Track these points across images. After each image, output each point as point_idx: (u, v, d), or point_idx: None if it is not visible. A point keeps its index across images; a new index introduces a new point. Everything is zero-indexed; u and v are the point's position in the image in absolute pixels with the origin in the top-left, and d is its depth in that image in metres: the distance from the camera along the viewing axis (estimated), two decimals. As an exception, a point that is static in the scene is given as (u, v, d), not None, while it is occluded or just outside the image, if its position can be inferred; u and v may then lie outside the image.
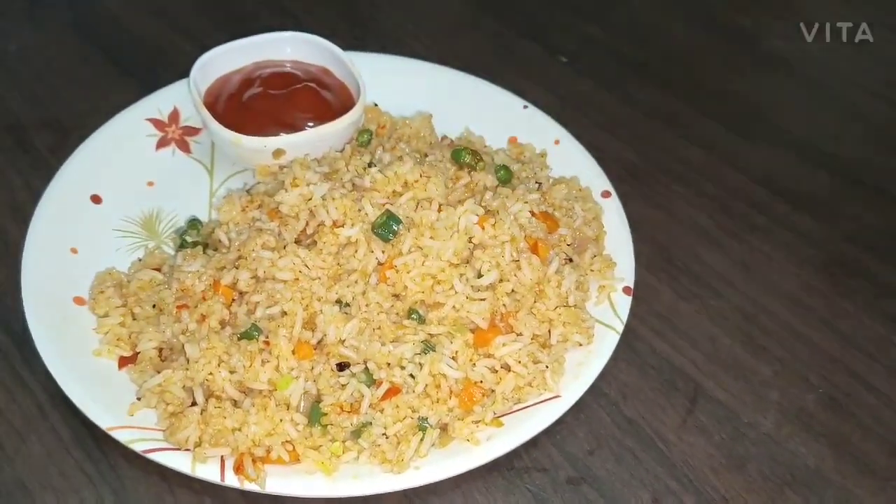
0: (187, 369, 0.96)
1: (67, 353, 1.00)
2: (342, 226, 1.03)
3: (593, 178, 1.23)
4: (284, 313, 0.99)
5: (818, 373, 1.10)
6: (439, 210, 1.04)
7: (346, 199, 1.04)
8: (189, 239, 1.12)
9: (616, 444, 1.02)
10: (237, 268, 1.04)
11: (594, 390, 1.03)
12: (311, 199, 1.05)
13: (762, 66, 1.54)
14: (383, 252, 1.03)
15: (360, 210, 1.04)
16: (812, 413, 1.06)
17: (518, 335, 1.02)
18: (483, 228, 1.04)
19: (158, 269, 1.09)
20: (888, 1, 1.65)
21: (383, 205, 1.04)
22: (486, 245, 1.04)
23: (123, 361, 1.02)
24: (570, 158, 1.26)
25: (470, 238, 1.04)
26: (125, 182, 1.21)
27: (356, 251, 1.03)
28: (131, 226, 1.18)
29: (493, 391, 0.99)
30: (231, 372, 0.96)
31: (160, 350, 1.02)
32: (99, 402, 0.96)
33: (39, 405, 1.01)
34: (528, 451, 1.00)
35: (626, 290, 1.11)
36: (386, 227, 1.03)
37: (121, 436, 0.94)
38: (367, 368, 0.97)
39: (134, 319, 1.04)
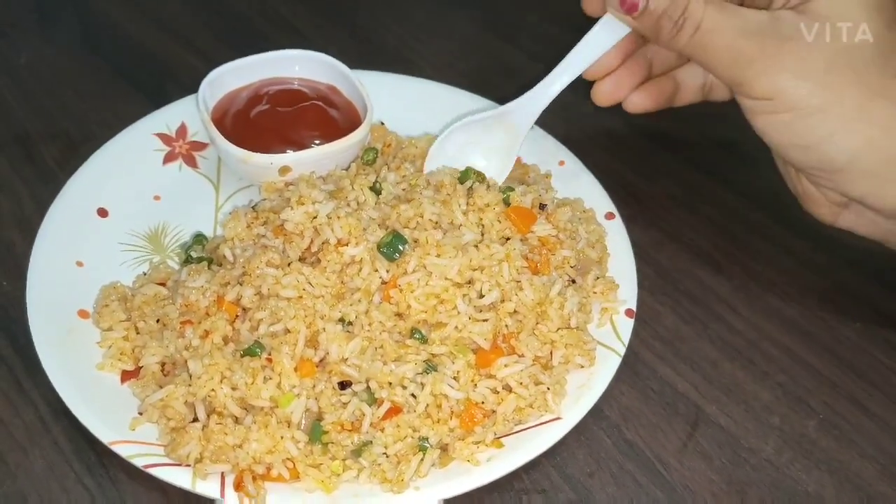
0: (190, 385, 0.96)
1: (70, 366, 1.01)
2: (347, 244, 1.04)
3: (597, 199, 1.23)
4: (287, 331, 0.99)
5: (819, 399, 1.10)
6: (444, 231, 1.05)
7: (350, 218, 1.04)
8: (194, 254, 1.12)
9: (616, 468, 1.02)
10: (241, 284, 1.04)
11: (595, 413, 1.03)
12: (316, 218, 1.05)
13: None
14: (387, 271, 1.03)
15: (364, 229, 1.04)
16: (813, 439, 1.06)
17: (520, 356, 1.02)
18: (478, 249, 1.05)
19: (163, 284, 1.09)
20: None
21: (388, 223, 1.05)
22: (483, 266, 1.04)
23: (126, 376, 1.02)
24: (574, 180, 1.26)
25: (470, 259, 1.04)
26: (132, 196, 1.22)
27: (360, 270, 1.03)
28: (137, 240, 1.18)
29: (494, 412, 0.99)
30: (233, 388, 0.96)
31: (163, 365, 1.02)
32: (101, 416, 0.96)
33: (42, 418, 1.01)
34: (528, 473, 1.00)
35: (628, 312, 1.11)
36: (391, 246, 1.03)
37: (122, 450, 0.94)
38: (368, 387, 0.97)
39: (138, 334, 1.05)
